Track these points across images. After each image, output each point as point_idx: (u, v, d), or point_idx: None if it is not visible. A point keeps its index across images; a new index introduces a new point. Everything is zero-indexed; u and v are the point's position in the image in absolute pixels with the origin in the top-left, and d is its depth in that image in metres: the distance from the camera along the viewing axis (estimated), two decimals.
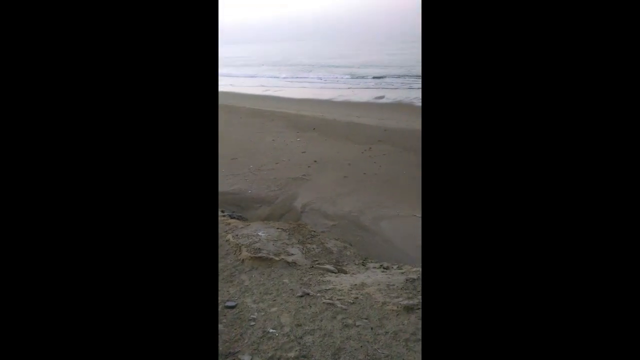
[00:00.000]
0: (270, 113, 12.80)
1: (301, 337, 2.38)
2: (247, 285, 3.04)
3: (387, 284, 2.95)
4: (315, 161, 8.35)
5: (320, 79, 23.17)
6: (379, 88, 18.30)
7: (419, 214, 6.05)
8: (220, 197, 6.70)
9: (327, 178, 7.54)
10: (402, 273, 3.27)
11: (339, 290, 2.88)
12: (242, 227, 4.15)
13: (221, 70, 30.31)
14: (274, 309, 2.68)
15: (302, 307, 2.68)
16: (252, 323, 2.53)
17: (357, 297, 2.74)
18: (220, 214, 5.26)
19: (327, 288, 2.92)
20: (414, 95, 15.90)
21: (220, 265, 3.35)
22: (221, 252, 3.58)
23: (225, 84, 22.50)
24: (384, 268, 3.58)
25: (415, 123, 10.61)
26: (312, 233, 4.22)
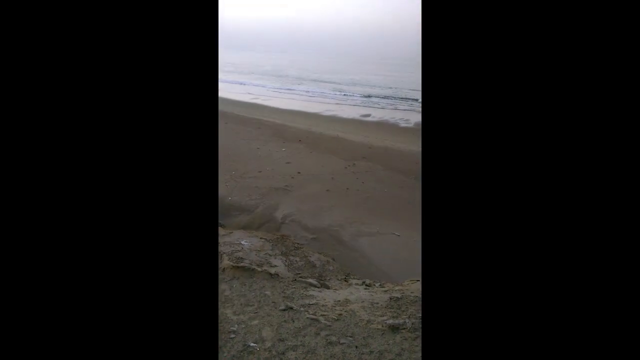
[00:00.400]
0: (257, 121, 12.75)
1: (283, 353, 2.30)
2: (227, 296, 2.93)
3: (371, 301, 2.93)
4: (299, 172, 8.33)
5: (308, 92, 23.39)
6: (365, 106, 18.67)
7: (399, 233, 6.11)
8: None
9: (310, 190, 7.52)
10: (385, 291, 3.25)
11: (323, 305, 2.82)
12: (224, 235, 4.03)
13: None
14: (255, 322, 2.58)
15: (285, 321, 2.60)
16: (232, 336, 2.43)
17: (341, 314, 2.69)
18: None
19: (311, 303, 2.85)
20: (399, 116, 16.31)
21: None
22: None
23: None
24: (366, 285, 3.55)
25: (399, 143, 10.84)
26: (296, 245, 4.16)
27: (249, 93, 22.23)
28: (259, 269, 3.30)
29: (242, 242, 3.84)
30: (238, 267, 3.28)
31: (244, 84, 26.63)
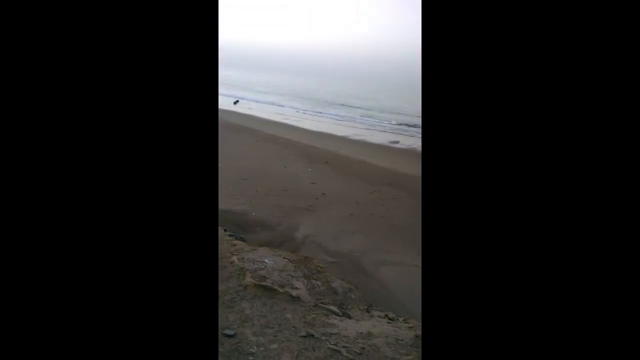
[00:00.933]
0: (285, 141, 12.96)
1: None
2: (247, 314, 2.87)
3: (395, 337, 2.77)
4: (323, 194, 8.29)
5: (338, 115, 23.69)
6: (395, 133, 18.63)
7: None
8: (223, 216, 6.57)
9: (333, 213, 7.43)
10: (410, 328, 3.08)
11: (345, 336, 2.70)
12: (248, 251, 4.01)
13: (241, 93, 31.27)
14: (274, 346, 2.50)
15: (305, 349, 2.50)
16: (251, 358, 2.35)
17: (364, 348, 2.56)
18: (224, 233, 5.14)
19: (332, 332, 2.74)
20: None
21: (222, 288, 3.18)
22: (224, 274, 3.42)
23: (244, 107, 23.10)
24: (389, 319, 3.39)
25: None
26: (319, 269, 4.07)
27: (280, 113, 22.78)
28: (281, 290, 3.23)
29: (266, 260, 3.80)
30: (260, 285, 3.23)
31: (275, 104, 27.39)
